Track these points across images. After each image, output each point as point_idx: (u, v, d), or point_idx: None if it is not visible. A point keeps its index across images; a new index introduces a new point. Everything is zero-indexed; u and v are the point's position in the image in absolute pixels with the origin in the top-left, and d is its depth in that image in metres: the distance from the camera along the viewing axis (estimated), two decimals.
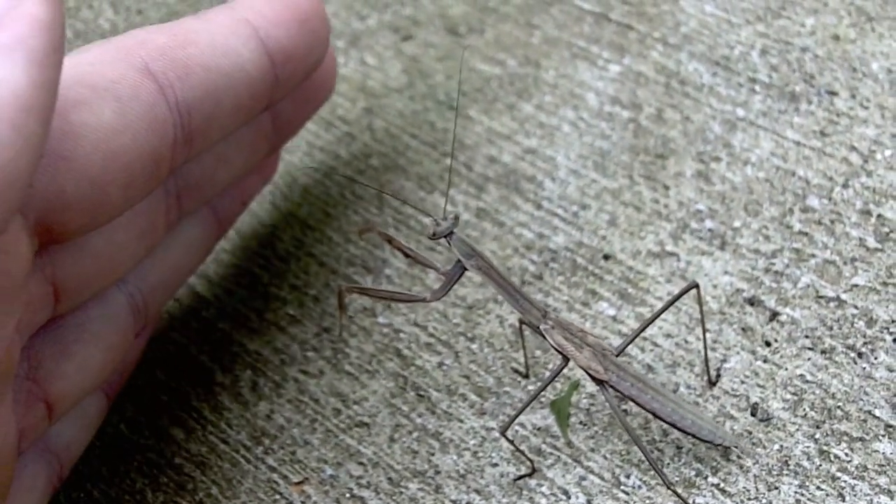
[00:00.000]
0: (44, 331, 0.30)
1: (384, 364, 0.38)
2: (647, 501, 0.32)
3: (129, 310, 0.33)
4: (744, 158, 0.40)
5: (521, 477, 0.34)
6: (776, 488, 0.32)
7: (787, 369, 0.34)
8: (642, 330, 0.33)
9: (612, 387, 0.32)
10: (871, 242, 0.37)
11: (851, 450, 0.32)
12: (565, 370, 0.35)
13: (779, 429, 0.33)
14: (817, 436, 0.33)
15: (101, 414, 0.35)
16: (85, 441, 0.34)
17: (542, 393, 0.34)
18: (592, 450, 0.34)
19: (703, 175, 0.40)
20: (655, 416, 0.32)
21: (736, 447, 0.33)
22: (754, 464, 0.32)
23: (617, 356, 0.33)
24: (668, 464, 0.33)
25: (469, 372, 0.37)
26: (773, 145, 0.40)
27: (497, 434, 0.35)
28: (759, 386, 0.34)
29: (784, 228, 0.38)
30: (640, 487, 0.33)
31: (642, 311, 0.37)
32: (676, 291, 0.35)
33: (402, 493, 0.34)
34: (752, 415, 0.34)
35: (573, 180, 0.41)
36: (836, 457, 0.32)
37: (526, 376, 0.36)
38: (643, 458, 0.33)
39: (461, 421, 0.36)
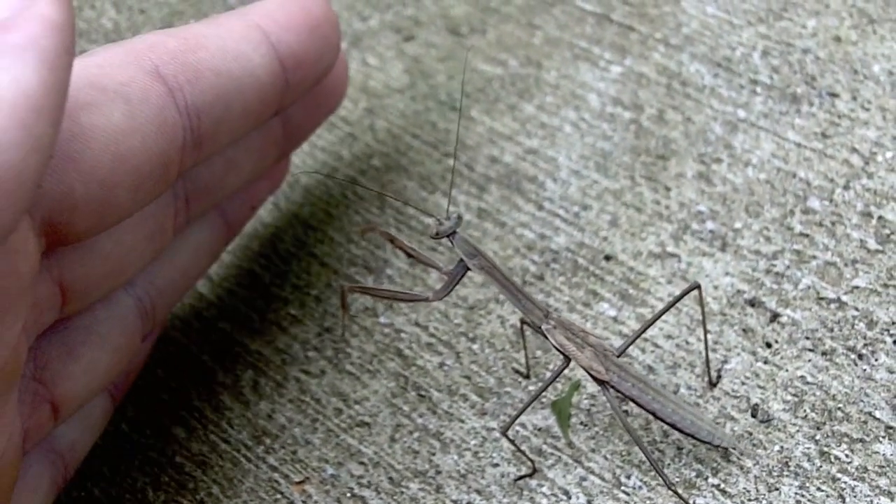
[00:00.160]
0: (51, 332, 0.30)
1: (385, 364, 0.38)
2: (648, 502, 0.32)
3: (136, 313, 0.33)
4: (745, 160, 0.40)
5: (521, 477, 0.34)
6: (776, 489, 0.32)
7: (787, 371, 0.34)
8: (643, 331, 0.33)
9: (613, 387, 0.32)
10: (872, 244, 0.37)
11: (852, 451, 0.32)
12: (566, 371, 0.35)
13: (779, 430, 0.33)
14: (818, 437, 0.33)
15: (106, 415, 0.35)
16: (89, 442, 0.34)
17: (543, 393, 0.34)
18: (593, 450, 0.34)
19: (705, 176, 0.40)
20: (656, 416, 0.32)
21: (735, 448, 0.33)
22: (755, 465, 0.33)
23: (618, 357, 0.33)
24: (669, 464, 0.33)
25: (470, 372, 0.37)
26: (774, 147, 0.40)
27: (498, 434, 0.35)
28: (759, 387, 0.34)
29: (785, 230, 0.38)
30: (640, 488, 0.33)
31: (643, 311, 0.37)
32: (677, 292, 0.35)
33: (402, 492, 0.34)
34: (753, 416, 0.34)
35: (574, 181, 0.41)
36: (837, 458, 0.32)
37: (527, 377, 0.36)
38: (644, 458, 0.33)
39: (462, 421, 0.36)
